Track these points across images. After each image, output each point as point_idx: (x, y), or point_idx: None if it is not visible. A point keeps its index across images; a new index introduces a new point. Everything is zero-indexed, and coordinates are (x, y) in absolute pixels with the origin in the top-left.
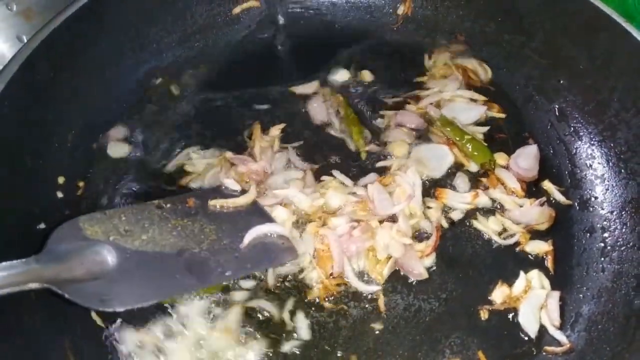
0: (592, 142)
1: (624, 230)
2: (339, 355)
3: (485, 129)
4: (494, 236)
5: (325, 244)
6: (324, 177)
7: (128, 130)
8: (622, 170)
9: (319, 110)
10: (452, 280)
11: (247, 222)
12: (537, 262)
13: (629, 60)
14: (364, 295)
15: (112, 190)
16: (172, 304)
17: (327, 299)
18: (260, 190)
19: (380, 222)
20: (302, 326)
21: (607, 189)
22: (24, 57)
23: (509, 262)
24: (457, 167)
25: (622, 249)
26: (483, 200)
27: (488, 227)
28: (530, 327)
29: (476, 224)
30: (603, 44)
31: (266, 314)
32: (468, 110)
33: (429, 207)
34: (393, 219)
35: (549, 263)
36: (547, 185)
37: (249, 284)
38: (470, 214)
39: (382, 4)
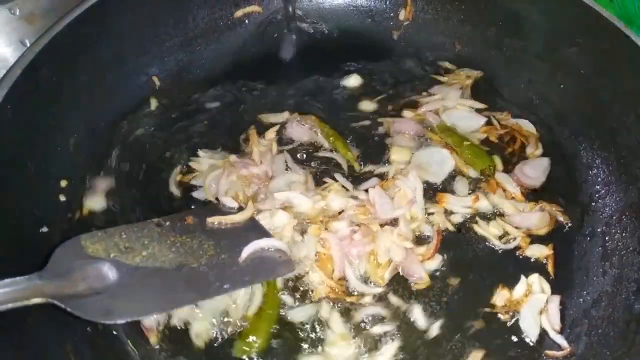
0: (593, 147)
1: (624, 234)
2: None
3: (484, 135)
4: (494, 240)
5: (327, 248)
6: (326, 179)
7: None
8: (623, 175)
9: (301, 132)
10: (453, 283)
11: (244, 237)
12: (538, 267)
13: (629, 65)
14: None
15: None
16: None
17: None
18: (260, 195)
19: (381, 225)
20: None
21: (607, 194)
22: (27, 61)
23: (510, 266)
24: (458, 171)
25: (623, 253)
26: (484, 204)
27: (488, 231)
28: (531, 332)
29: (477, 228)
30: (603, 48)
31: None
32: (469, 119)
33: (430, 213)
34: (394, 222)
35: (549, 267)
36: (546, 206)
37: None
38: (471, 218)
39: (384, 8)
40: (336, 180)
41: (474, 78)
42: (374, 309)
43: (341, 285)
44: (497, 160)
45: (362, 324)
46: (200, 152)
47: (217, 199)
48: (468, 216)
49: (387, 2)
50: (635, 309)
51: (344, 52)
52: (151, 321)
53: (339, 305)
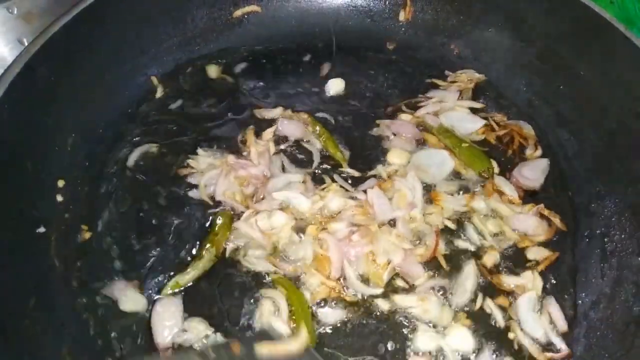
0: (592, 148)
1: (623, 236)
2: None
3: (483, 137)
4: (488, 237)
5: (324, 249)
6: (327, 179)
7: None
8: (622, 176)
9: (293, 128)
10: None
11: None
12: (532, 267)
13: (628, 66)
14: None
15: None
16: None
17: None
18: (259, 195)
19: (380, 226)
20: None
21: (606, 195)
22: (24, 61)
23: (505, 266)
24: (457, 173)
25: (622, 255)
26: (479, 204)
27: (486, 226)
28: (533, 334)
29: (475, 220)
30: (603, 50)
31: None
32: (467, 121)
33: (429, 213)
34: (392, 223)
35: (543, 268)
36: (543, 210)
37: None
38: (468, 216)
39: (383, 9)
40: (334, 181)
41: (476, 81)
42: None
43: (340, 284)
44: (494, 163)
45: None
46: (200, 151)
47: (212, 198)
48: (464, 214)
49: (387, 3)
50: (634, 311)
51: (343, 51)
52: (164, 340)
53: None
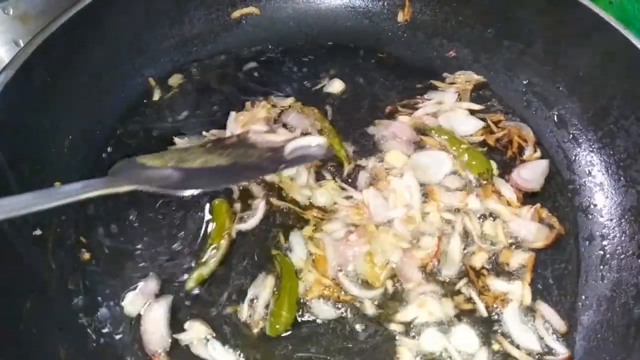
0: (592, 150)
1: (623, 238)
2: None
3: (481, 138)
4: (476, 239)
5: (321, 248)
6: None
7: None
8: (622, 178)
9: (298, 121)
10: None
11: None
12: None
13: (628, 67)
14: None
15: None
16: None
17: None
18: None
19: (377, 226)
20: None
21: (606, 197)
22: (20, 62)
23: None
24: (455, 174)
25: (622, 257)
26: (474, 203)
27: (474, 226)
28: (529, 343)
29: (466, 221)
30: (602, 51)
31: None
32: (466, 122)
33: (427, 213)
34: (390, 222)
35: (527, 274)
36: (541, 212)
37: None
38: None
39: (381, 10)
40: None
41: (474, 83)
42: None
43: (336, 284)
44: (494, 165)
45: None
46: (177, 139)
47: None
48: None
49: (385, 4)
50: (634, 313)
51: (341, 52)
52: (155, 346)
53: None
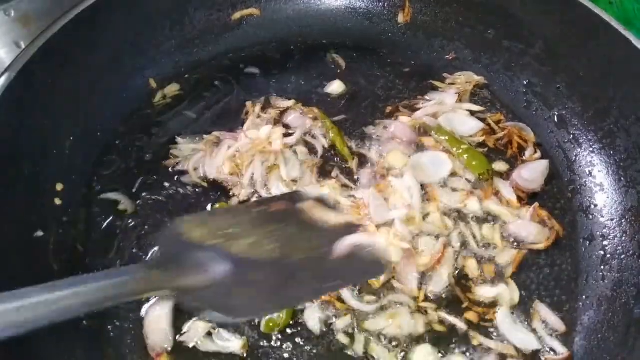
0: (592, 150)
1: (623, 238)
2: None
3: (482, 139)
4: (471, 241)
5: None
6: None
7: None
8: (622, 178)
9: (300, 121)
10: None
11: (338, 233)
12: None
13: (628, 68)
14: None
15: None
16: None
17: None
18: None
19: (377, 227)
20: None
21: (606, 197)
22: (21, 64)
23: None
24: (455, 175)
25: (622, 257)
26: (474, 205)
27: (472, 231)
28: (527, 344)
29: (461, 226)
30: (602, 51)
31: None
32: (466, 123)
33: (427, 214)
34: (391, 222)
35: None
36: (541, 212)
37: None
38: (464, 217)
39: (382, 11)
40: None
41: (474, 83)
42: None
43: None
44: (504, 164)
45: None
46: (179, 139)
47: (206, 180)
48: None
49: (385, 4)
50: (635, 313)
51: (342, 53)
52: (158, 345)
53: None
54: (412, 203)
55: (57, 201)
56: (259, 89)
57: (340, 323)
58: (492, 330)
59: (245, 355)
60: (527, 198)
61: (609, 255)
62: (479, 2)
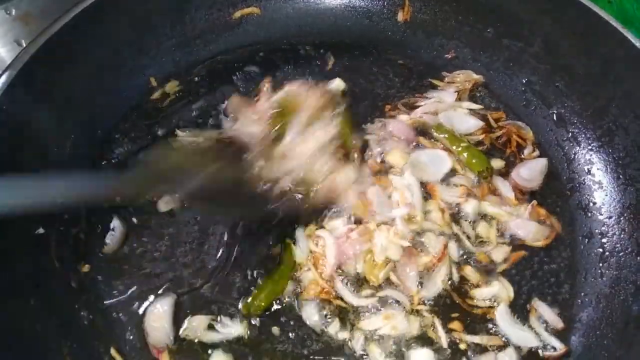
0: (591, 148)
1: (622, 236)
2: None
3: (481, 137)
4: (464, 239)
5: (321, 246)
6: None
7: None
8: (621, 176)
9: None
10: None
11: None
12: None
13: (627, 66)
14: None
15: None
16: None
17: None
18: None
19: (378, 225)
20: None
21: (605, 195)
22: (22, 62)
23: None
24: (455, 172)
25: (621, 254)
26: (471, 207)
27: (464, 229)
28: (527, 341)
29: (454, 227)
30: (601, 50)
31: None
32: (465, 121)
33: (428, 211)
34: (391, 221)
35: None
36: (540, 209)
37: None
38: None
39: (381, 9)
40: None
41: (473, 82)
42: None
43: (332, 286)
44: (502, 162)
45: None
46: (179, 132)
47: None
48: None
49: (385, 3)
50: (633, 310)
51: (342, 52)
52: (159, 342)
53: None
54: (413, 201)
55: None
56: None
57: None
58: (491, 327)
59: (247, 336)
60: (526, 196)
61: (607, 253)
62: (478, 0)
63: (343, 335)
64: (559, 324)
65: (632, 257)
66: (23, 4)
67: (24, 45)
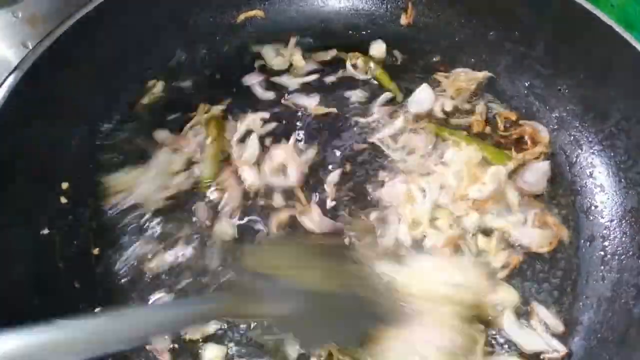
0: (592, 151)
1: (623, 239)
2: None
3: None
4: (465, 250)
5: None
6: None
7: None
8: (622, 180)
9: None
10: None
11: None
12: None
13: (629, 70)
14: None
15: None
16: None
17: None
18: None
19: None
20: None
21: (607, 198)
22: (29, 64)
23: None
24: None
25: (622, 257)
26: (472, 219)
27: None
28: (533, 345)
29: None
30: (604, 54)
31: None
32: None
33: (436, 218)
34: None
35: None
36: (547, 215)
37: None
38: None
39: (384, 13)
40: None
41: (477, 82)
42: None
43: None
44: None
45: None
46: (158, 131)
47: None
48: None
49: (388, 7)
50: (634, 313)
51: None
52: (161, 345)
53: None
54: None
55: (63, 199)
56: (262, 89)
57: None
58: (495, 334)
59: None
60: (526, 199)
61: (609, 256)
62: (481, 4)
63: None
64: (559, 327)
65: (633, 260)
66: (29, 6)
67: (31, 47)
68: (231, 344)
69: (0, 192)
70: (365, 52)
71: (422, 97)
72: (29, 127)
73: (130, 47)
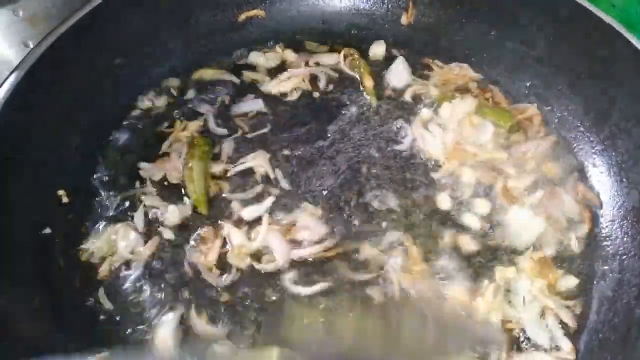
0: (594, 151)
1: (625, 239)
2: None
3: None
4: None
5: None
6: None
7: None
8: (624, 179)
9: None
10: None
11: None
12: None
13: (630, 70)
14: None
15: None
16: None
17: None
18: None
19: None
20: None
21: (608, 198)
22: (29, 64)
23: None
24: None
25: (624, 257)
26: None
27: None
28: (540, 339)
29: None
30: (604, 53)
31: None
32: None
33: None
34: None
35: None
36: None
37: None
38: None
39: (385, 12)
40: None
41: (468, 79)
42: None
43: None
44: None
45: None
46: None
47: None
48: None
49: (389, 6)
50: (636, 313)
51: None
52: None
53: None
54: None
55: (64, 199)
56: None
57: None
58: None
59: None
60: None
61: (610, 256)
62: (482, 4)
63: None
64: (573, 324)
65: (635, 260)
66: (30, 5)
67: (31, 46)
68: None
69: (0, 192)
70: (365, 51)
71: (399, 70)
72: (30, 127)
73: (130, 46)
